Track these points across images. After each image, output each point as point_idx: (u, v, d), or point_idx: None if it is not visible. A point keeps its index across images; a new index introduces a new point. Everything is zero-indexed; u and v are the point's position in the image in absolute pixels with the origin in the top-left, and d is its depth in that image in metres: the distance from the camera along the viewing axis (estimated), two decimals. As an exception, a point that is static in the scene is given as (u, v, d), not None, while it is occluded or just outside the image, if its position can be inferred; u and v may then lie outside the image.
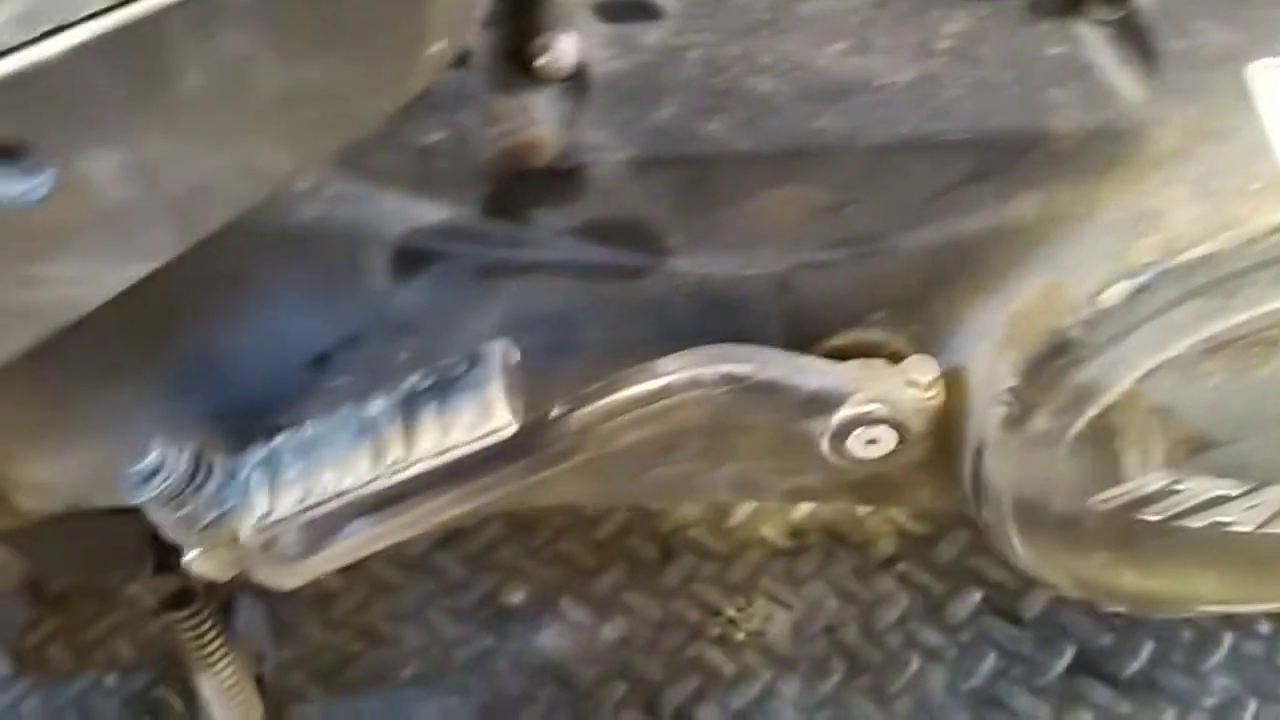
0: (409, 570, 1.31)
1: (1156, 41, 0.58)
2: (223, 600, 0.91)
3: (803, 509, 1.28)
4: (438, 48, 0.40)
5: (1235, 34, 0.58)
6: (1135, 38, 0.59)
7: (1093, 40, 0.59)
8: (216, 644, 0.89)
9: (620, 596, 1.23)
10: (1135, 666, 1.10)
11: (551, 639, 1.21)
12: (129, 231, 0.43)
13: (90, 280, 0.45)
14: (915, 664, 1.13)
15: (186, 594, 0.86)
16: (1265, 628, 1.10)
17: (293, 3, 0.37)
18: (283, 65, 0.39)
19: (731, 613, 1.21)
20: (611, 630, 1.21)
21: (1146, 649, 1.10)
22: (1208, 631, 1.10)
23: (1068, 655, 1.11)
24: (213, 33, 0.37)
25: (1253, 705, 1.06)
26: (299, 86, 0.39)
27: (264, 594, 1.00)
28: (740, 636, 1.19)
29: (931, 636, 1.15)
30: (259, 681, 0.95)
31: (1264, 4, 0.59)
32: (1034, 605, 1.15)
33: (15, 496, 0.67)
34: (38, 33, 0.37)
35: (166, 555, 0.83)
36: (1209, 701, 1.06)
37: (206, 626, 0.87)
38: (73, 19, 0.37)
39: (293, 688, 1.17)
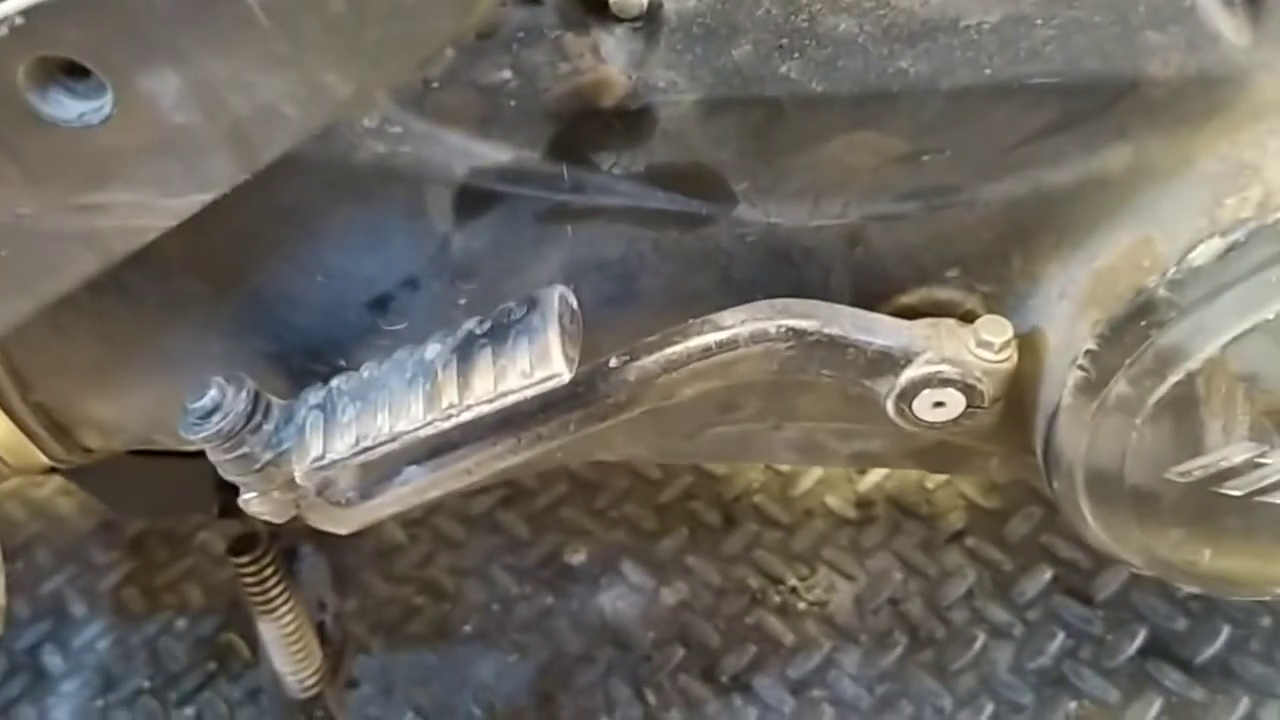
0: (472, 526, 1.31)
1: (1265, -16, 0.55)
2: (286, 548, 0.92)
3: (869, 479, 1.26)
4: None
5: None
6: (1242, -21, 0.55)
7: (1197, -21, 0.56)
8: (278, 590, 0.89)
9: (682, 560, 1.23)
10: (1210, 652, 1.07)
11: (611, 600, 1.22)
12: (188, 157, 0.42)
13: (150, 209, 0.45)
14: (980, 640, 1.11)
15: (250, 539, 0.87)
16: (1350, 616, 1.07)
17: (351, -81, 0.36)
18: (343, -17, 0.38)
19: (793, 581, 1.20)
20: (671, 594, 1.21)
21: (1223, 634, 1.07)
22: (1289, 618, 1.07)
23: (1140, 638, 1.09)
24: (271, -51, 0.37)
25: (1331, 696, 1.02)
26: (361, 5, 0.38)
27: (327, 544, 1.01)
28: (801, 606, 1.18)
29: (998, 613, 1.13)
30: (319, 629, 0.96)
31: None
32: (1107, 586, 1.13)
33: (81, 433, 0.68)
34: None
35: (232, 500, 0.84)
36: (1287, 690, 1.03)
37: (269, 573, 0.88)
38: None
39: (354, 638, 1.18)
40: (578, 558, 1.26)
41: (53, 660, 1.27)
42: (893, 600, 1.17)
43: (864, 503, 1.24)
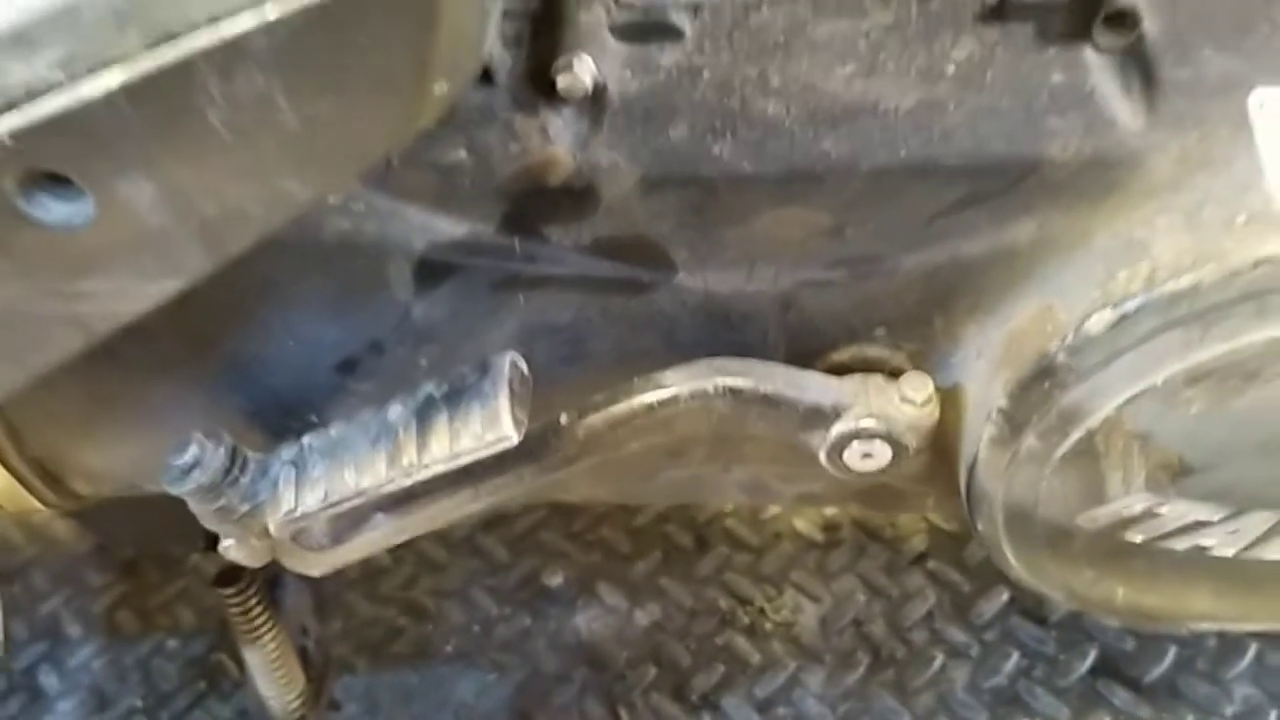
0: (454, 550, 1.36)
1: (1160, 69, 0.59)
2: (269, 578, 0.96)
3: (836, 504, 1.30)
4: (441, 88, 0.43)
5: (1239, 62, 0.59)
6: (1139, 65, 0.60)
7: (1097, 67, 0.60)
8: (262, 618, 0.93)
9: (655, 582, 1.27)
10: (1158, 671, 1.11)
11: (587, 621, 1.26)
12: (163, 252, 0.47)
13: (129, 294, 0.49)
14: (939, 660, 1.16)
15: (235, 571, 0.91)
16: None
17: (304, 47, 0.41)
18: (297, 103, 0.42)
19: (762, 603, 1.24)
20: (645, 615, 1.25)
21: (1170, 654, 1.12)
22: (1232, 640, 1.11)
23: (1090, 657, 1.13)
24: (233, 75, 0.41)
25: (1274, 715, 1.07)
26: (313, 122, 0.43)
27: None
28: (769, 626, 1.23)
29: (957, 634, 1.18)
30: (302, 654, 1.00)
31: (1270, 32, 0.60)
32: (1060, 607, 1.17)
33: (73, 481, 0.73)
34: (79, 74, 0.41)
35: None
36: (1230, 710, 1.07)
37: (254, 602, 0.92)
38: (109, 59, 0.41)
39: (340, 658, 1.22)
40: (555, 580, 1.30)
41: (49, 680, 1.31)
42: (856, 621, 1.22)
43: (830, 526, 1.29)
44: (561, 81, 0.60)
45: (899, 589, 1.23)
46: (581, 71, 0.60)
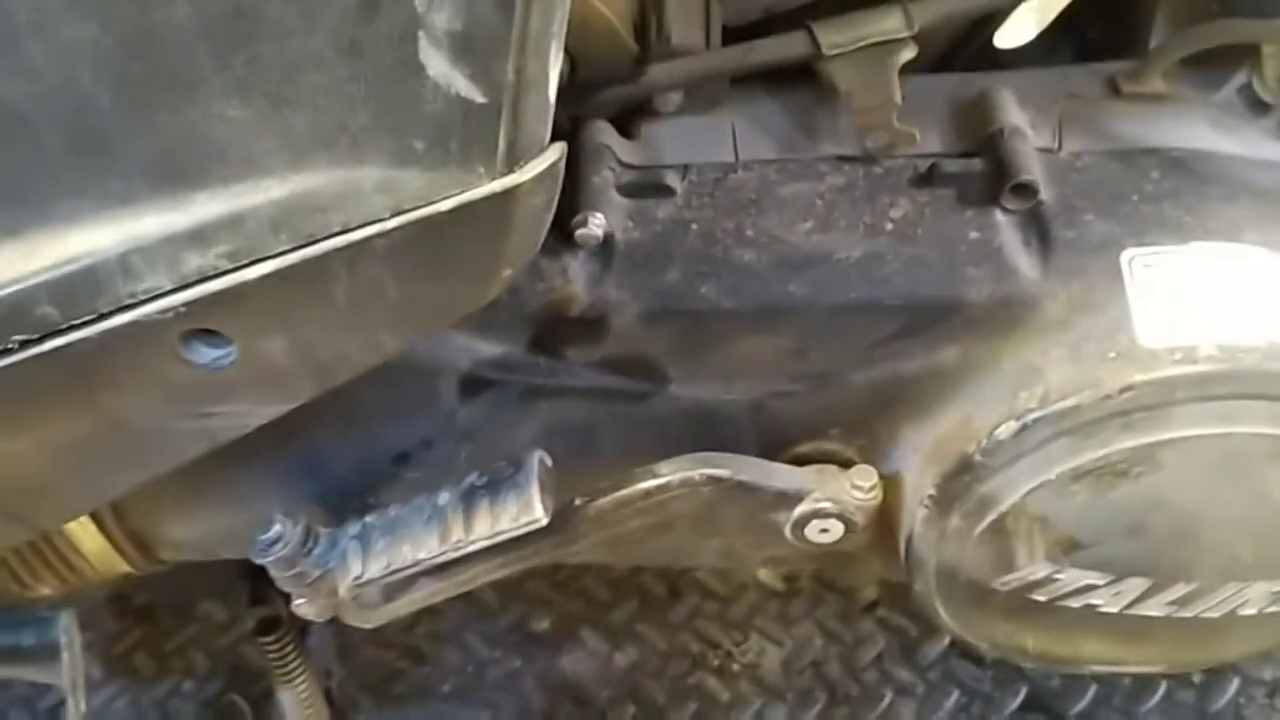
0: (449, 597, 1.48)
1: (1053, 230, 0.74)
2: (300, 626, 1.09)
3: (795, 557, 1.44)
4: (508, 272, 0.58)
5: (1115, 226, 0.74)
6: (1037, 226, 0.75)
7: (1004, 226, 0.76)
8: (295, 662, 1.07)
9: (632, 628, 1.38)
10: (1079, 707, 1.24)
11: (571, 663, 1.36)
12: (283, 385, 0.61)
13: (250, 414, 0.63)
14: (888, 698, 1.28)
15: (274, 621, 1.04)
16: (1197, 678, 1.25)
17: (411, 248, 0.55)
18: (401, 285, 0.56)
19: (729, 646, 1.36)
20: (624, 657, 1.36)
21: (1090, 692, 1.25)
22: (1146, 679, 1.25)
23: (1021, 694, 1.26)
24: (356, 266, 0.55)
25: (1182, 747, 1.21)
26: (411, 297, 0.57)
27: (332, 621, 1.17)
28: (736, 668, 1.35)
29: (904, 674, 1.31)
30: (327, 694, 1.13)
31: (1138, 202, 0.75)
32: (990, 653, 1.31)
33: (159, 549, 0.86)
34: (241, 263, 0.55)
35: (260, 591, 1.02)
36: (1142, 742, 1.22)
37: (288, 648, 1.05)
38: (265, 254, 0.55)
39: (347, 699, 1.34)
40: (542, 625, 1.39)
41: None
42: (814, 663, 1.33)
43: (790, 578, 1.41)
44: (578, 233, 0.75)
45: (852, 634, 1.34)
46: (594, 225, 0.75)
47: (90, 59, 0.50)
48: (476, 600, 1.44)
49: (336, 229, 0.54)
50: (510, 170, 0.53)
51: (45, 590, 0.87)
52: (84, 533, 0.82)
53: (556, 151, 0.54)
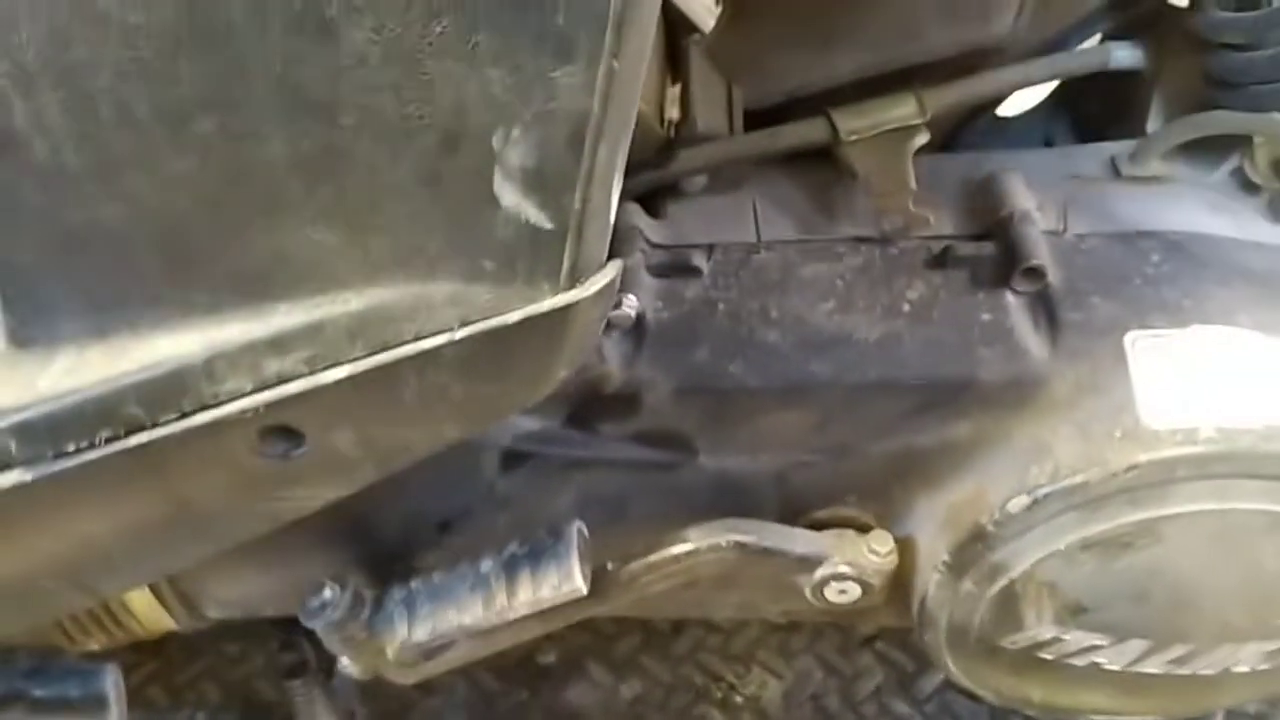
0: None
1: (1060, 312, 0.79)
2: (325, 668, 1.13)
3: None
4: (565, 373, 0.62)
5: (1119, 309, 0.78)
6: (1045, 308, 0.80)
7: (1014, 308, 0.80)
8: (320, 705, 1.10)
9: (637, 661, 1.41)
10: (1072, 740, 1.31)
11: (578, 695, 1.39)
12: (348, 472, 0.65)
13: (316, 497, 0.67)
14: (886, 731, 1.34)
15: (302, 665, 1.08)
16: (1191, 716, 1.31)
17: (476, 356, 0.59)
18: (466, 388, 0.60)
19: (731, 679, 1.40)
20: (628, 690, 1.39)
21: (1086, 730, 1.32)
22: None
23: (1018, 728, 1.32)
24: (425, 371, 0.59)
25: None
26: (474, 397, 0.61)
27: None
28: (738, 700, 1.38)
29: (901, 707, 1.35)
30: (350, 734, 1.17)
31: (1140, 285, 0.80)
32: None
33: (206, 607, 0.89)
34: (318, 367, 0.59)
35: (287, 637, 1.06)
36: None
37: (315, 690, 1.09)
38: (341, 360, 0.59)
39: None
40: (548, 659, 1.42)
41: None
42: (814, 696, 1.37)
43: None
44: (613, 315, 0.79)
45: (851, 667, 1.38)
46: (627, 307, 0.79)
47: (187, 189, 0.54)
48: (485, 633, 1.48)
49: (409, 338, 0.58)
50: (572, 286, 0.57)
51: (92, 645, 0.90)
52: (135, 593, 0.85)
53: (614, 269, 0.59)
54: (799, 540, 0.82)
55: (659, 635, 1.46)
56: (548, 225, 0.54)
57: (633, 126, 0.56)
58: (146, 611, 0.87)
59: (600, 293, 0.58)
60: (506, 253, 0.56)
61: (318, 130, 0.52)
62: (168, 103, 0.51)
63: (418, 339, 0.58)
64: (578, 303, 0.57)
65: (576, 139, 0.52)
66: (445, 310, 0.57)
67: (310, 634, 1.10)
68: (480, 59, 0.49)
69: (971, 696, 1.32)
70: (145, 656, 1.52)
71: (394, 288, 0.57)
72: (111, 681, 0.89)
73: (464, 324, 0.58)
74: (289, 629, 1.08)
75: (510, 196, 0.54)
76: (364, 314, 0.58)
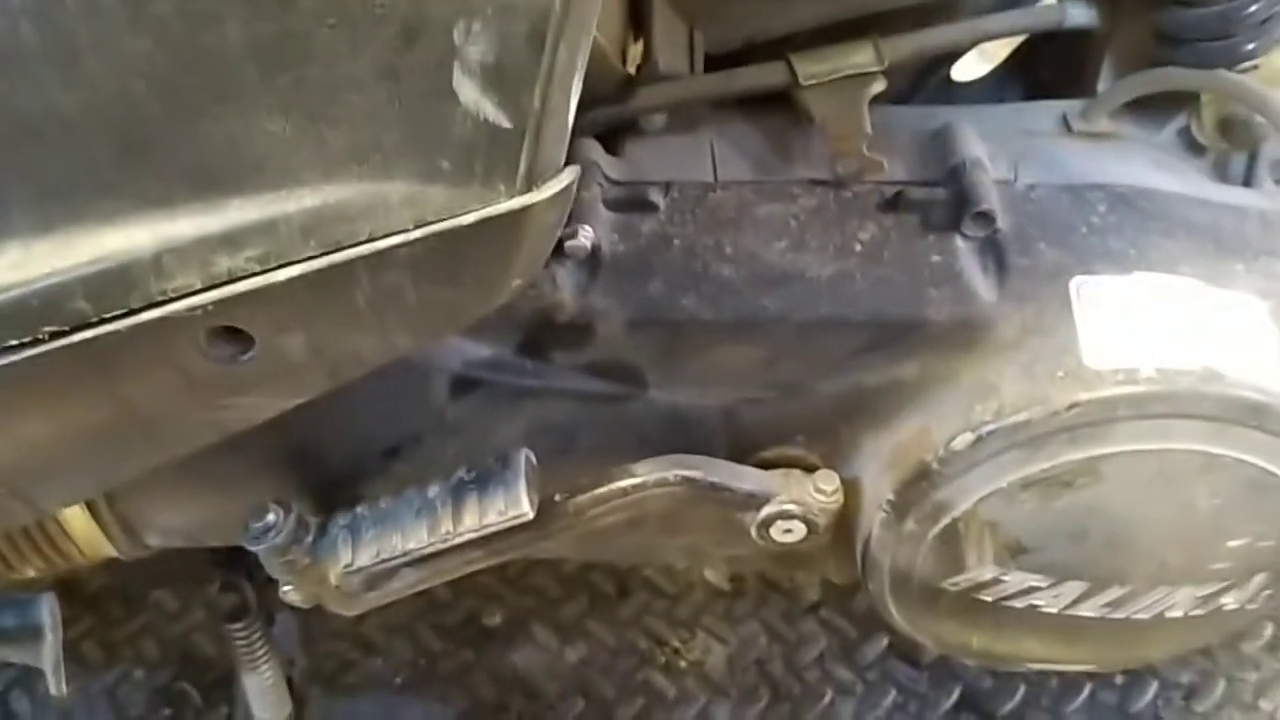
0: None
1: (1009, 257, 0.80)
2: (267, 614, 1.12)
3: (743, 557, 1.49)
4: (518, 281, 0.62)
5: (1066, 256, 0.80)
6: (994, 253, 0.81)
7: (964, 252, 0.81)
8: (261, 649, 1.09)
9: (582, 624, 1.42)
10: (1009, 706, 1.31)
11: (522, 657, 1.39)
12: (298, 381, 0.65)
13: (261, 407, 0.67)
14: (829, 696, 1.33)
15: (242, 609, 1.07)
16: (1120, 679, 1.33)
17: (431, 257, 0.58)
18: (419, 291, 0.60)
19: (676, 644, 1.40)
20: (573, 653, 1.39)
21: (1020, 692, 1.31)
22: (1071, 680, 1.32)
23: (955, 694, 1.32)
24: (379, 272, 0.59)
25: (1104, 745, 1.28)
26: (428, 302, 0.61)
27: (296, 610, 1.20)
28: (683, 665, 1.39)
29: (844, 673, 1.36)
30: (289, 682, 1.16)
31: (1086, 234, 0.81)
32: (931, 651, 1.36)
33: (147, 534, 0.88)
34: (270, 266, 0.59)
35: (230, 577, 1.05)
36: (1067, 739, 1.29)
37: (256, 635, 1.08)
38: (293, 259, 0.59)
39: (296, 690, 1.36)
40: (493, 620, 1.43)
41: (20, 704, 1.36)
42: (758, 661, 1.37)
43: (736, 578, 1.47)
44: (568, 244, 0.79)
45: (795, 633, 1.39)
46: (583, 237, 0.80)
47: (142, 73, 0.53)
48: (429, 594, 1.45)
49: (363, 238, 0.58)
50: (529, 189, 0.57)
51: (30, 572, 0.89)
52: (74, 516, 0.84)
53: (571, 174, 0.59)
54: (746, 477, 0.83)
55: (605, 599, 1.46)
56: (506, 124, 0.55)
57: (592, 31, 0.56)
58: (86, 537, 0.86)
59: (556, 197, 0.58)
60: (464, 151, 0.56)
61: (276, 15, 0.51)
62: (125, -18, 0.51)
63: (372, 239, 0.58)
64: (533, 205, 0.57)
65: (537, 36, 0.52)
66: (401, 210, 0.57)
67: (252, 577, 1.10)
68: (442, -54, 0.49)
69: (912, 663, 1.36)
70: (81, 611, 1.51)
71: (349, 185, 0.57)
72: (47, 610, 0.88)
73: (419, 224, 0.58)
74: (230, 570, 1.07)
75: (469, 93, 0.54)
76: (318, 211, 0.57)
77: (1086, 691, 1.32)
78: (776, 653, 1.39)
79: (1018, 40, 1.05)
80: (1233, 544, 0.80)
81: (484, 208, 0.57)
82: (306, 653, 1.40)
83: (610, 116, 0.86)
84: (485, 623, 1.44)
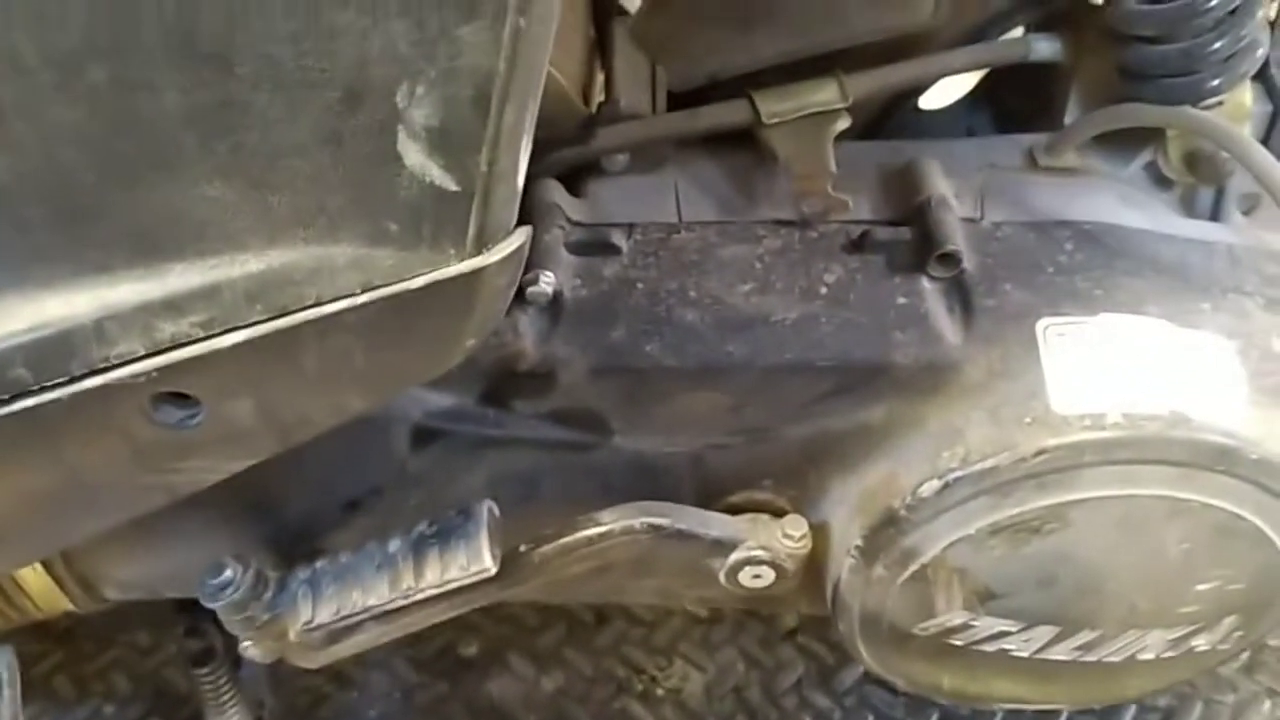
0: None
1: (975, 298, 0.79)
2: (234, 657, 1.10)
3: (719, 586, 1.48)
4: (471, 343, 0.61)
5: (1031, 296, 0.79)
6: (960, 294, 0.80)
7: (930, 293, 0.80)
8: (228, 693, 1.08)
9: (559, 653, 1.40)
10: (987, 731, 1.32)
11: (499, 687, 1.38)
12: (247, 444, 0.63)
13: (212, 470, 0.65)
14: (806, 722, 1.35)
15: (209, 653, 1.05)
16: (1097, 705, 1.33)
17: (379, 321, 0.57)
18: (368, 354, 0.59)
19: (654, 672, 1.39)
20: (550, 682, 1.38)
21: (997, 718, 1.32)
22: (1049, 711, 1.32)
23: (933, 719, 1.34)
24: (326, 336, 0.58)
25: (1080, 774, 1.28)
26: (377, 365, 0.60)
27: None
28: (660, 693, 1.38)
29: (821, 700, 1.35)
30: (258, 723, 1.15)
31: (1053, 273, 0.80)
32: (906, 686, 1.37)
33: (104, 588, 0.87)
34: (215, 331, 0.57)
35: (196, 623, 1.03)
36: (1043, 766, 1.28)
37: (222, 680, 1.07)
38: (239, 324, 0.57)
39: (272, 724, 1.35)
40: (470, 650, 1.41)
41: None
42: (736, 688, 1.37)
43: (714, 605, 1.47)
44: (529, 290, 0.78)
45: (773, 660, 1.38)
46: (544, 283, 0.78)
47: (76, 140, 0.52)
48: (404, 625, 1.46)
49: (309, 302, 0.57)
50: (479, 252, 0.56)
51: (-14, 627, 0.87)
52: (30, 573, 0.82)
53: (522, 235, 0.58)
54: (713, 524, 0.82)
55: (582, 627, 1.45)
56: (453, 187, 0.53)
57: (540, 91, 0.55)
58: (42, 592, 0.85)
59: (507, 259, 0.57)
60: (410, 215, 0.54)
61: (213, 81, 0.50)
62: (57, 50, 0.49)
63: (319, 303, 0.57)
64: (484, 268, 0.56)
65: (482, 99, 0.51)
66: (348, 274, 0.56)
67: (218, 621, 1.09)
68: (383, 11, 0.48)
69: (889, 689, 1.35)
70: (52, 646, 1.49)
71: (294, 250, 0.56)
72: (4, 664, 0.86)
73: (366, 288, 0.56)
74: (195, 614, 1.06)
75: (414, 156, 0.52)
76: (263, 276, 0.56)
77: (1064, 717, 1.31)
78: (754, 679, 1.38)
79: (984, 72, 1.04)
80: (1202, 588, 0.79)
81: (433, 271, 0.56)
82: (279, 689, 1.38)
83: (572, 157, 0.84)
84: (462, 653, 1.42)
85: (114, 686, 1.43)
